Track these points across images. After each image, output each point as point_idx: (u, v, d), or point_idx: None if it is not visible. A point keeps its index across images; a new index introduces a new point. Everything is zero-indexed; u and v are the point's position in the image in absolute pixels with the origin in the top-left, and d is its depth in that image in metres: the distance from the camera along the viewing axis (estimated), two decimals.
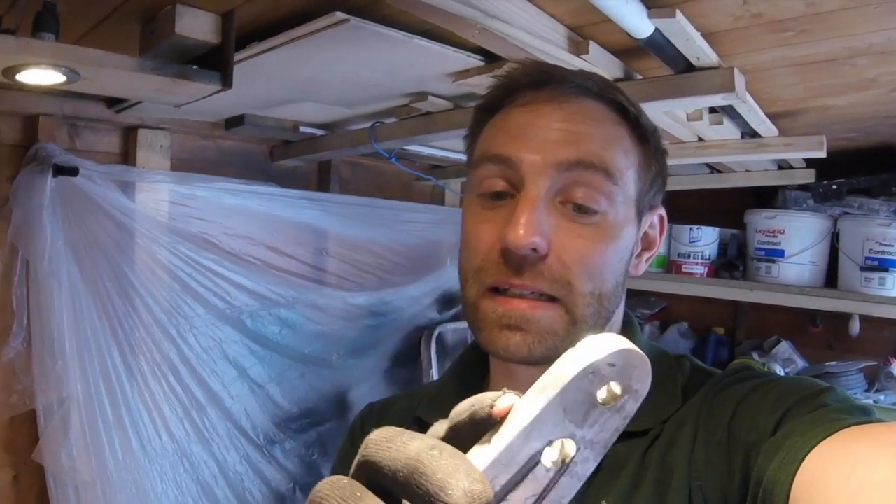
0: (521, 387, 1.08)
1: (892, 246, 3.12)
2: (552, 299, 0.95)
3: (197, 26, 1.58)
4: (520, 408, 0.49)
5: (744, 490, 0.84)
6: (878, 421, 0.80)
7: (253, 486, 2.79)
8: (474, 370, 1.21)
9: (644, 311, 4.35)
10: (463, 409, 0.51)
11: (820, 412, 0.83)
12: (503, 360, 1.01)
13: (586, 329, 0.96)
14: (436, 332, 3.48)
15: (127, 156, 2.60)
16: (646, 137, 1.05)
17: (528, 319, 0.94)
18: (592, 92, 1.02)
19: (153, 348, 2.50)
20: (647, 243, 1.11)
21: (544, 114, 0.99)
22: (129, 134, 2.60)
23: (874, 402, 3.24)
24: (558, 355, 0.92)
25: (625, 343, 0.48)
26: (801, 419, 0.83)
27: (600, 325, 1.00)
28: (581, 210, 0.96)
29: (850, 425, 0.77)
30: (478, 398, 0.52)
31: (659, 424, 0.99)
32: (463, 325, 3.59)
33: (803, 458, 0.75)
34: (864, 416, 0.82)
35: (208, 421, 2.67)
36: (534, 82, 1.03)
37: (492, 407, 0.50)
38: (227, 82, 1.68)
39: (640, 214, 1.04)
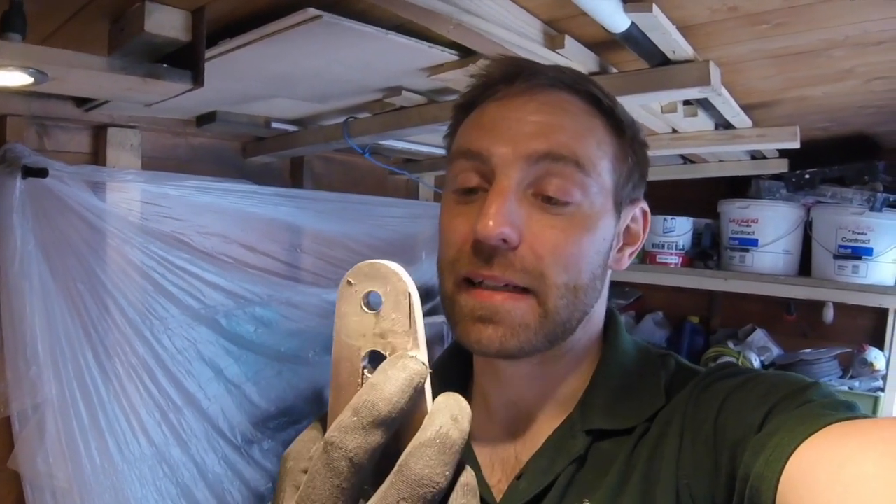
0: (503, 381, 1.07)
1: (865, 234, 3.14)
2: (525, 291, 0.94)
3: (167, 23, 1.55)
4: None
5: (731, 487, 0.84)
6: (864, 416, 0.81)
7: (232, 487, 2.77)
8: (458, 367, 1.20)
9: (619, 302, 4.39)
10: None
11: (805, 408, 0.83)
12: (477, 353, 1.02)
13: (560, 322, 0.96)
14: None
15: (97, 155, 2.56)
16: (621, 129, 1.04)
17: (499, 311, 0.93)
18: (565, 84, 1.02)
19: (128, 350, 2.48)
20: (629, 237, 1.10)
21: (516, 107, 0.99)
22: (99, 133, 2.56)
23: (849, 388, 3.30)
24: (532, 349, 0.90)
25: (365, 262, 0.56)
26: (787, 415, 0.83)
27: (576, 319, 0.99)
28: (553, 201, 0.95)
29: (836, 421, 0.77)
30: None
31: (644, 422, 0.99)
32: (440, 319, 3.59)
33: (790, 455, 0.75)
34: (849, 411, 0.82)
35: (185, 422, 2.65)
36: (506, 76, 1.03)
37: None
38: (198, 80, 1.65)
39: (618, 207, 1.03)
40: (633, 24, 1.53)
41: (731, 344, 3.84)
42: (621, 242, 1.08)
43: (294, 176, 3.36)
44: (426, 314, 3.56)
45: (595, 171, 0.97)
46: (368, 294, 0.56)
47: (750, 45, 1.75)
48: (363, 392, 0.51)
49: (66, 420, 2.29)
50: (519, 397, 1.07)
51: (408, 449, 0.51)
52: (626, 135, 1.05)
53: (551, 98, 1.00)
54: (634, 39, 1.62)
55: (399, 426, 0.54)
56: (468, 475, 0.53)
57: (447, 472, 0.50)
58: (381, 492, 0.50)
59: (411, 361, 0.53)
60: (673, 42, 1.65)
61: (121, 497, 2.38)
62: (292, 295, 3.00)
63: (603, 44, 1.77)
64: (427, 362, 0.55)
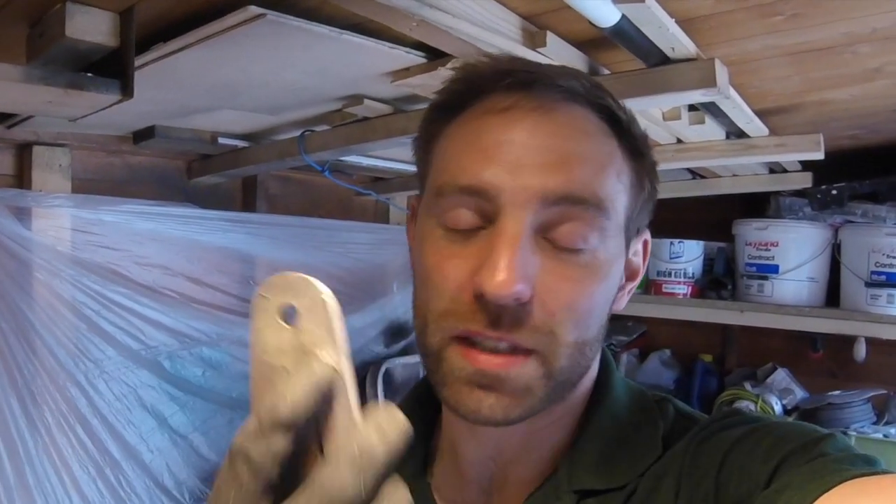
0: (480, 436, 1.02)
1: None
2: (528, 351, 0.88)
3: (91, 27, 1.51)
4: None
5: None
6: (884, 472, 0.77)
7: None
8: (426, 410, 1.14)
9: (621, 338, 4.31)
10: None
11: (819, 462, 0.80)
12: (472, 423, 0.93)
13: (562, 381, 0.91)
14: (383, 368, 3.43)
15: (21, 178, 2.53)
16: (639, 151, 0.97)
17: (502, 379, 0.87)
18: (580, 95, 0.93)
19: (58, 397, 2.44)
20: (629, 272, 1.04)
21: (525, 127, 0.89)
22: (23, 152, 2.53)
23: (884, 436, 3.21)
24: (534, 413, 0.89)
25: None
26: (797, 470, 0.80)
27: (578, 375, 0.95)
28: (568, 248, 0.88)
29: (852, 477, 0.74)
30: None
31: (636, 478, 0.95)
32: (414, 359, 3.56)
33: None
34: (867, 466, 0.79)
35: (125, 479, 2.60)
36: (512, 83, 0.92)
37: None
38: (127, 91, 1.62)
39: (627, 242, 0.98)
40: (623, 17, 1.49)
41: (748, 386, 3.74)
42: (623, 280, 1.02)
43: (246, 198, 3.33)
44: (398, 354, 3.56)
45: (613, 209, 0.91)
46: (284, 308, 0.60)
47: (762, 41, 1.71)
48: (266, 397, 0.56)
49: None
50: (498, 453, 1.02)
51: (322, 459, 0.55)
52: (644, 158, 0.99)
53: (569, 117, 0.92)
54: (627, 35, 1.58)
55: (323, 440, 0.58)
56: (398, 491, 0.56)
57: (363, 486, 0.53)
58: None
59: (318, 364, 0.56)
60: (671, 37, 1.61)
61: None
62: (245, 333, 2.91)
63: (591, 41, 1.74)
64: (344, 368, 0.58)
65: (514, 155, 0.88)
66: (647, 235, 1.07)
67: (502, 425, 0.90)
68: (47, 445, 2.40)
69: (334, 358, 0.57)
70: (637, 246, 1.05)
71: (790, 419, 3.20)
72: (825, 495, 0.72)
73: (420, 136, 1.04)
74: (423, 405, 1.14)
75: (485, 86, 0.94)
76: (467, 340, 0.88)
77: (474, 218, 0.90)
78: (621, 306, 1.04)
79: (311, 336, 0.58)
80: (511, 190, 0.86)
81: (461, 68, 0.99)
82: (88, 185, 2.69)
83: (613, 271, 0.94)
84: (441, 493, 1.06)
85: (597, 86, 0.96)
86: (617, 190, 0.92)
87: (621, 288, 1.02)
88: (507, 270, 0.82)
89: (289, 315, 0.59)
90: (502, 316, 0.85)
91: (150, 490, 2.68)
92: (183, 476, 2.81)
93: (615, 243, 0.93)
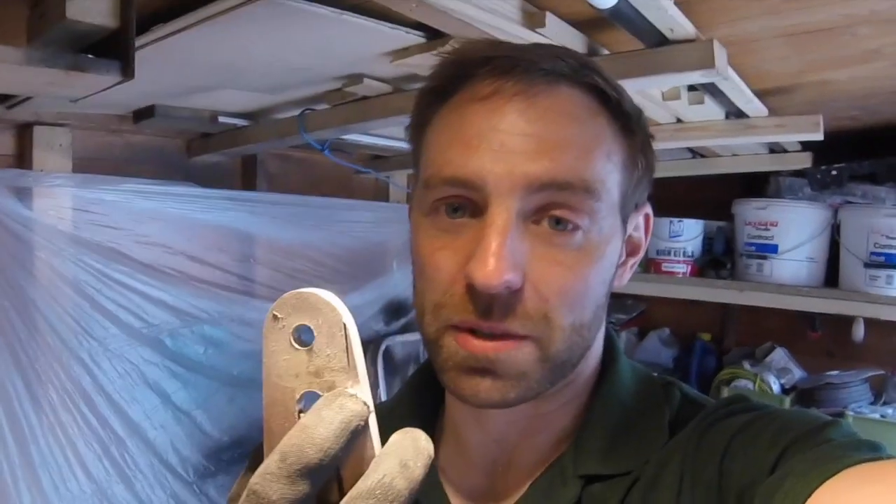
0: (484, 420, 1.02)
1: None
2: (523, 336, 0.88)
3: (91, 8, 1.50)
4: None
5: None
6: (889, 457, 0.78)
7: None
8: (430, 392, 1.15)
9: (620, 317, 4.30)
10: None
11: (823, 448, 0.80)
12: (473, 406, 0.94)
13: (560, 363, 0.91)
14: (382, 346, 3.44)
15: (22, 157, 2.53)
16: (630, 128, 0.96)
17: (495, 361, 0.87)
18: (564, 76, 0.92)
19: (62, 376, 2.44)
20: (631, 248, 1.04)
21: (507, 113, 0.89)
22: (24, 132, 2.53)
23: (881, 416, 3.19)
24: (533, 396, 0.88)
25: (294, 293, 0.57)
26: (801, 457, 0.79)
27: (577, 356, 0.94)
28: (558, 230, 0.88)
29: (855, 463, 0.74)
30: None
31: (642, 464, 0.95)
32: (414, 336, 3.55)
33: (804, 502, 0.72)
34: (872, 452, 0.78)
35: (129, 456, 2.61)
36: (494, 69, 0.92)
37: None
38: (127, 72, 1.61)
39: (624, 221, 0.98)
40: None
41: (747, 365, 3.72)
42: (624, 256, 1.02)
43: (246, 177, 3.32)
44: (399, 330, 3.55)
45: (604, 189, 0.90)
46: (298, 328, 0.56)
47: (761, 22, 1.69)
48: (292, 434, 0.51)
49: None
50: (502, 436, 1.03)
51: (345, 499, 0.51)
52: (636, 135, 0.98)
53: (552, 100, 0.90)
54: (626, 16, 1.56)
55: (341, 469, 0.55)
56: None
57: None
58: None
59: (349, 400, 0.53)
60: (670, 19, 1.59)
61: None
62: (245, 311, 2.97)
63: (590, 21, 1.72)
64: (369, 401, 0.55)
65: (497, 143, 0.87)
66: (647, 209, 1.06)
67: (501, 407, 0.91)
68: (51, 424, 2.41)
69: (358, 387, 0.55)
70: (637, 220, 1.04)
71: (792, 406, 3.20)
72: (827, 482, 0.72)
73: (412, 122, 1.04)
74: (427, 387, 1.15)
75: (470, 71, 0.93)
76: (463, 328, 0.89)
77: (463, 208, 0.90)
78: (624, 282, 1.04)
79: (327, 360, 0.55)
80: (495, 179, 0.86)
81: (449, 53, 0.98)
82: (89, 165, 2.68)
83: (609, 251, 0.94)
84: (446, 474, 1.07)
85: (584, 64, 0.94)
86: (607, 170, 0.92)
87: (622, 264, 1.02)
88: (495, 260, 0.83)
89: (304, 335, 0.56)
90: (494, 305, 0.85)
91: (154, 466, 2.69)
92: (186, 452, 2.82)
93: (609, 223, 0.93)
